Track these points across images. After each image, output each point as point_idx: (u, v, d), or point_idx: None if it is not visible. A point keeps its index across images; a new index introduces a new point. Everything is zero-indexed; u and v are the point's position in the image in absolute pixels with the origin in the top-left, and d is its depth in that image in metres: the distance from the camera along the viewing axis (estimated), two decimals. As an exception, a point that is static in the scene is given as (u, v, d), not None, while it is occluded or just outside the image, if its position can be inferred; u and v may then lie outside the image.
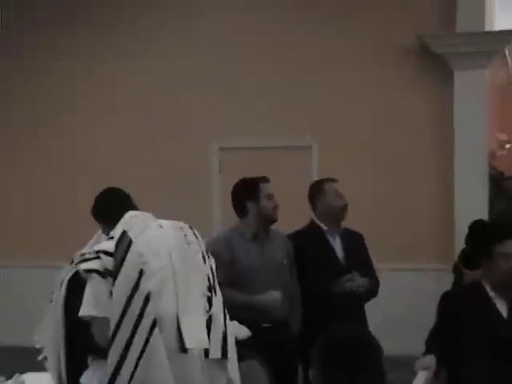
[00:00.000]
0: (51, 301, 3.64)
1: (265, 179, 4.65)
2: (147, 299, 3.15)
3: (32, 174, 9.29)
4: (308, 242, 4.76)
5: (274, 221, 4.60)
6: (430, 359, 3.92)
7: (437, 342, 4.04)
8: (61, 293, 3.57)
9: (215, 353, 3.27)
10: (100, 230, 3.76)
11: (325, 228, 4.81)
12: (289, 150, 8.51)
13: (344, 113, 8.39)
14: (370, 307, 4.93)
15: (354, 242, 4.86)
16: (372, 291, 4.79)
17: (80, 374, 3.48)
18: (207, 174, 8.65)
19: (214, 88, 8.70)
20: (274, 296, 4.32)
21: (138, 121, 8.90)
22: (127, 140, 8.90)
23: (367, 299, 4.80)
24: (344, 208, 4.78)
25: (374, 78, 8.33)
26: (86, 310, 3.18)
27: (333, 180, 4.90)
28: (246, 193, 4.57)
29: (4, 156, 9.36)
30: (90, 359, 3.49)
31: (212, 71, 8.70)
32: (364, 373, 2.25)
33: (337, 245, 4.79)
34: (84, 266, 3.25)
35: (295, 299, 4.63)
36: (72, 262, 3.65)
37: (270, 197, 4.57)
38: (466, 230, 5.46)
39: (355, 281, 4.59)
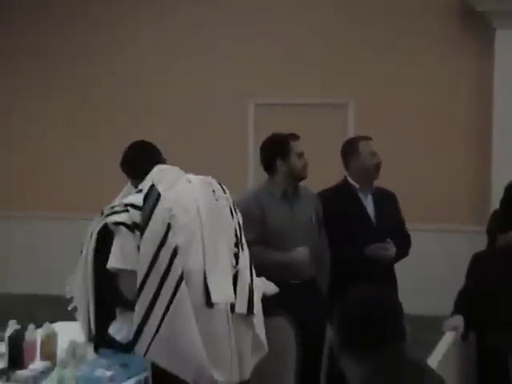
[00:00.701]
0: (81, 252, 3.67)
1: (295, 136, 4.56)
2: (175, 253, 3.15)
3: (67, 125, 9.37)
4: (339, 200, 4.71)
5: (303, 178, 4.54)
6: (458, 319, 3.89)
7: (466, 303, 4.00)
8: (90, 244, 3.59)
9: (241, 307, 3.28)
10: (128, 184, 3.77)
11: (357, 186, 4.74)
12: (325, 107, 8.45)
13: (381, 71, 8.31)
14: (403, 267, 4.89)
15: (387, 201, 4.79)
16: (403, 252, 4.73)
17: (109, 324, 3.52)
18: (243, 131, 8.64)
19: (251, 45, 8.66)
20: (302, 252, 4.29)
21: (176, 76, 8.91)
22: (164, 95, 8.93)
23: (397, 259, 4.73)
24: (377, 167, 4.71)
25: (414, 37, 8.23)
26: (113, 263, 3.20)
27: (367, 138, 4.81)
28: (275, 150, 4.49)
29: (40, 107, 9.44)
30: (117, 311, 3.52)
31: (249, 30, 8.66)
32: (384, 329, 2.24)
33: (369, 204, 4.72)
34: (112, 218, 3.26)
35: (323, 259, 4.59)
36: (102, 213, 3.67)
37: (301, 155, 4.49)
38: (502, 192, 5.38)
39: (388, 250, 4.55)
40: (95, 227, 3.64)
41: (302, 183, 4.62)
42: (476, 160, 8.07)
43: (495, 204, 6.06)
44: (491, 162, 7.78)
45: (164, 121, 8.62)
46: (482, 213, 7.59)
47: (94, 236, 3.59)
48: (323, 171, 8.35)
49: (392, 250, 4.56)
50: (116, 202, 3.71)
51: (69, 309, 3.75)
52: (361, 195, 4.72)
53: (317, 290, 4.48)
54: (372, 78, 8.33)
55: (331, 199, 4.71)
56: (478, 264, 4.14)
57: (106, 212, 3.66)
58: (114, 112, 9.18)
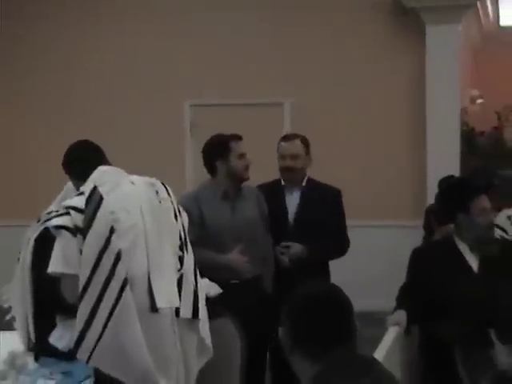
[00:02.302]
0: (18, 260, 3.59)
1: (236, 137, 4.54)
2: (118, 257, 3.07)
3: (3, 129, 9.19)
4: (266, 196, 4.70)
5: (244, 179, 4.51)
6: (401, 315, 3.93)
7: (408, 298, 4.05)
8: (27, 251, 3.51)
9: (186, 312, 3.22)
10: (66, 187, 3.69)
11: (283, 183, 4.76)
12: (261, 107, 8.47)
13: (316, 69, 8.36)
14: (342, 264, 4.90)
15: (322, 199, 4.70)
16: (338, 250, 4.73)
17: (49, 333, 3.45)
18: (179, 132, 8.59)
19: (186, 45, 8.63)
20: (238, 256, 4.29)
21: (111, 77, 8.82)
22: (100, 96, 8.83)
23: (332, 258, 4.74)
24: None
25: (345, 33, 8.29)
26: (55, 267, 3.11)
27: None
28: (215, 151, 4.48)
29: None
30: (58, 318, 3.45)
31: (183, 30, 8.63)
32: (335, 328, 2.23)
33: (292, 202, 4.69)
34: (53, 222, 3.17)
35: (269, 257, 4.60)
36: (39, 220, 3.59)
37: (241, 156, 4.47)
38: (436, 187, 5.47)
39: (283, 253, 4.52)
40: (32, 234, 3.57)
41: (245, 183, 4.60)
42: (412, 156, 8.17)
43: (431, 197, 6.17)
44: (426, 158, 7.89)
45: (100, 123, 8.51)
46: (419, 208, 7.70)
47: (32, 242, 3.50)
48: (260, 170, 8.41)
49: (294, 251, 4.51)
50: (54, 204, 3.64)
51: (7, 318, 3.67)
52: (286, 192, 4.72)
53: (260, 289, 4.47)
54: (307, 77, 8.37)
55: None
56: (417, 259, 4.18)
57: (42, 218, 3.58)
58: (49, 114, 9.03)
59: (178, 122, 8.70)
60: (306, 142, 4.74)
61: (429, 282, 3.93)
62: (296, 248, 4.51)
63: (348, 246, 4.78)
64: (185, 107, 8.77)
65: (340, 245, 4.73)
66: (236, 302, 3.96)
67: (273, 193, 4.71)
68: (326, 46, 8.35)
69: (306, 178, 4.74)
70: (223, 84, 8.55)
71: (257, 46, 8.50)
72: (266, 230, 4.61)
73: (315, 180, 4.78)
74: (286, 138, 4.79)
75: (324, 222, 4.61)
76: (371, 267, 7.61)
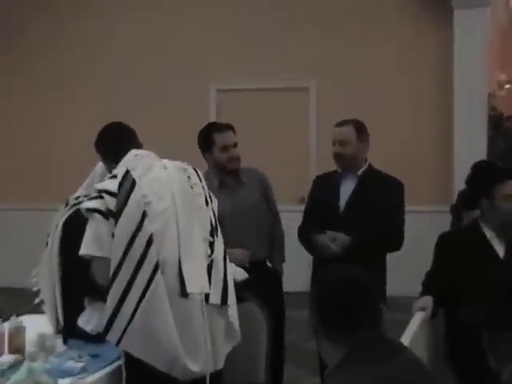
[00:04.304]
0: (47, 243, 3.62)
1: (222, 128, 4.46)
2: (150, 241, 3.08)
3: (30, 115, 9.26)
4: (321, 185, 4.60)
5: (230, 171, 4.41)
6: (427, 300, 3.92)
7: (434, 283, 4.04)
8: (56, 235, 3.55)
9: (215, 298, 3.23)
10: (93, 173, 3.70)
11: (339, 171, 4.54)
12: (287, 91, 8.47)
13: (342, 54, 8.34)
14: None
15: (378, 188, 4.43)
16: (389, 244, 4.46)
17: (77, 316, 3.48)
18: (205, 117, 8.59)
19: (213, 30, 8.63)
20: (240, 253, 4.26)
21: (138, 62, 8.88)
22: (127, 81, 8.90)
23: (383, 251, 4.47)
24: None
25: (372, 18, 8.25)
26: (86, 249, 3.11)
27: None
28: (200, 143, 4.46)
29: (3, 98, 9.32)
30: (86, 301, 3.48)
31: (212, 14, 8.63)
32: (360, 311, 2.24)
33: (345, 190, 4.45)
34: (86, 204, 3.17)
35: (278, 239, 4.60)
36: (67, 204, 3.62)
37: (224, 148, 4.37)
38: (464, 171, 5.44)
39: (330, 245, 4.27)
40: (60, 218, 3.60)
41: (247, 165, 4.55)
42: (439, 141, 8.13)
43: (458, 182, 6.14)
44: (453, 143, 7.84)
45: (125, 108, 8.54)
46: (444, 192, 7.68)
47: (60, 226, 3.54)
48: (285, 154, 8.43)
49: (339, 243, 4.26)
50: (81, 188, 3.67)
51: (36, 302, 3.71)
52: (342, 180, 4.49)
53: (267, 269, 4.47)
54: (333, 60, 8.36)
55: (316, 184, 4.66)
56: (443, 243, 4.16)
57: (71, 202, 3.61)
58: (74, 101, 9.09)
59: (205, 107, 8.72)
60: (359, 127, 4.51)
61: (454, 268, 3.91)
62: (342, 238, 4.30)
63: (402, 242, 4.52)
64: (211, 92, 8.78)
65: (392, 239, 4.46)
66: (254, 283, 3.93)
67: (329, 182, 4.54)
68: (351, 29, 8.31)
69: (366, 166, 4.51)
70: (249, 69, 8.55)
71: (283, 30, 8.49)
72: (269, 209, 4.57)
73: (376, 169, 4.57)
74: (339, 123, 4.56)
75: (377, 212, 4.32)
76: (399, 252, 7.57)
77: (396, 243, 4.49)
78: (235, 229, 4.24)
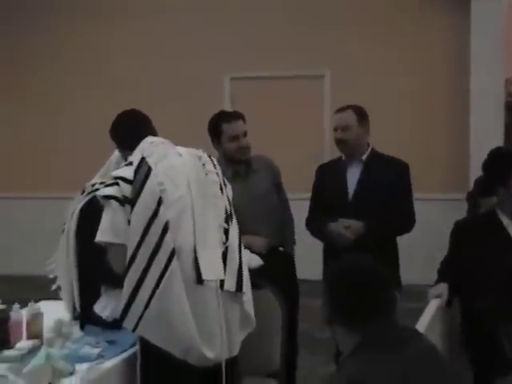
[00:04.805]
0: (63, 231, 3.64)
1: (230, 117, 4.42)
2: (166, 228, 3.09)
3: (45, 103, 9.29)
4: (326, 173, 4.59)
5: (239, 161, 4.38)
6: (443, 287, 3.92)
7: (449, 270, 4.03)
8: (72, 222, 3.57)
9: (230, 285, 3.24)
10: (109, 161, 3.72)
11: (343, 158, 4.54)
12: (301, 79, 8.46)
13: (357, 42, 8.31)
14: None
15: (384, 172, 4.42)
16: (401, 227, 4.47)
17: (93, 302, 3.51)
18: (220, 105, 8.59)
19: (226, 19, 8.63)
20: (259, 242, 4.27)
21: (151, 51, 8.87)
22: (140, 68, 8.89)
23: (395, 234, 4.48)
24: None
25: (387, 6, 8.21)
26: (102, 236, 3.12)
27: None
28: (210, 133, 4.43)
29: (19, 85, 9.35)
30: (102, 289, 3.51)
31: (225, 3, 8.63)
32: (372, 299, 2.25)
33: (353, 176, 4.45)
34: (102, 191, 3.18)
35: (288, 222, 4.60)
36: (83, 192, 3.64)
37: (234, 138, 4.33)
38: (480, 159, 5.40)
39: (344, 233, 4.27)
40: (76, 205, 3.62)
41: (258, 153, 4.53)
42: (455, 128, 8.10)
43: (474, 170, 6.12)
44: (470, 130, 7.81)
45: (141, 95, 8.56)
46: (461, 181, 7.65)
47: (77, 213, 3.56)
48: (300, 143, 8.43)
49: (347, 234, 4.25)
50: (98, 176, 3.68)
51: (53, 288, 3.74)
52: (348, 167, 4.49)
53: (280, 256, 4.47)
54: (348, 48, 8.33)
55: (321, 173, 4.64)
56: (459, 231, 4.15)
57: (87, 190, 3.63)
58: (88, 88, 9.12)
59: (219, 95, 8.71)
60: (360, 112, 4.48)
61: (470, 255, 3.90)
62: (355, 225, 4.29)
63: (413, 224, 4.50)
64: (225, 80, 8.78)
65: (404, 221, 4.46)
66: (267, 270, 3.94)
67: (334, 169, 4.54)
68: (367, 19, 8.29)
69: (369, 151, 4.48)
70: (263, 57, 8.54)
71: (298, 18, 8.46)
72: (279, 195, 4.57)
73: (379, 153, 4.54)
74: (338, 109, 4.55)
75: (387, 196, 4.32)
76: (413, 240, 7.55)
77: (408, 225, 4.50)
78: (248, 216, 4.20)
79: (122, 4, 9.03)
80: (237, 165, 4.39)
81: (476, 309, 3.78)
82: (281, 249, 4.52)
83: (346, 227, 4.29)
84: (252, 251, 3.98)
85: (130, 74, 8.94)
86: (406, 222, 4.48)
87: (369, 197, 4.34)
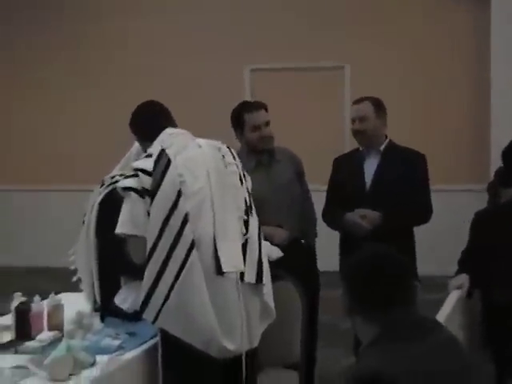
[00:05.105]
0: (83, 223, 3.66)
1: (252, 107, 4.41)
2: (186, 219, 3.09)
3: (65, 97, 9.34)
4: (344, 164, 4.61)
5: (261, 151, 4.37)
6: (463, 278, 3.89)
7: (469, 261, 4.01)
8: (92, 215, 3.58)
9: (250, 277, 3.24)
10: (128, 153, 3.72)
11: (360, 149, 4.55)
12: (322, 70, 8.43)
13: (377, 33, 8.28)
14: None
15: (401, 163, 4.44)
16: (419, 217, 4.48)
17: (114, 294, 3.53)
18: (240, 97, 8.57)
19: (246, 10, 8.62)
20: (281, 235, 4.27)
21: (172, 42, 8.90)
22: (160, 61, 8.90)
23: (413, 225, 4.50)
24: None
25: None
26: (122, 228, 3.13)
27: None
28: (232, 124, 4.43)
29: (36, 80, 9.40)
30: (122, 280, 3.52)
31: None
32: (392, 289, 2.24)
33: (369, 168, 4.46)
34: (122, 183, 3.19)
35: (309, 214, 4.59)
36: (103, 184, 3.64)
37: (255, 128, 4.32)
38: (501, 149, 5.38)
39: (361, 222, 4.28)
40: (96, 198, 3.63)
41: (281, 145, 4.53)
42: (476, 120, 8.06)
43: (495, 161, 6.08)
44: (490, 121, 7.76)
45: (160, 86, 8.57)
46: (481, 171, 7.61)
47: (96, 206, 3.57)
48: (320, 134, 8.41)
49: (370, 219, 4.27)
50: (117, 168, 3.69)
51: (73, 280, 3.76)
52: (366, 158, 4.50)
53: (301, 247, 4.47)
54: (368, 39, 8.30)
55: (338, 165, 4.65)
56: (479, 222, 4.12)
57: (106, 182, 3.64)
58: (106, 78, 9.14)
59: (239, 87, 8.71)
60: (377, 104, 4.49)
61: (490, 246, 3.88)
62: (372, 215, 4.31)
63: (431, 214, 4.50)
64: (245, 72, 8.77)
65: (421, 212, 4.47)
66: (288, 262, 3.93)
67: (351, 161, 4.56)
68: (386, 8, 8.25)
69: (387, 142, 4.49)
70: (283, 48, 8.51)
71: (319, 10, 8.43)
72: (302, 186, 4.57)
73: (396, 144, 4.55)
74: (355, 100, 4.57)
75: (404, 187, 4.34)
76: (434, 231, 7.52)
77: (425, 216, 4.51)
78: (271, 206, 4.22)
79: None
80: (260, 155, 4.39)
81: (496, 300, 3.77)
82: (302, 241, 4.52)
83: (363, 217, 4.31)
84: (273, 243, 3.98)
85: (152, 67, 8.94)
86: (423, 213, 4.49)
87: (386, 188, 4.36)
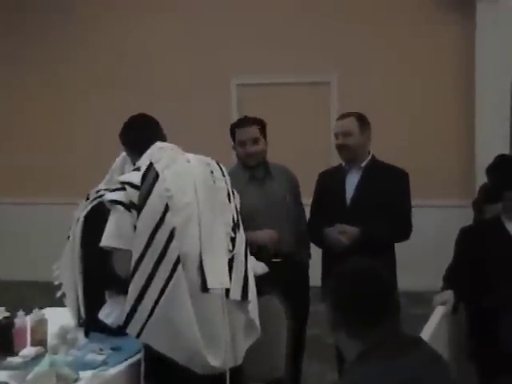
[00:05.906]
0: (68, 237, 3.65)
1: (242, 123, 4.52)
2: (172, 235, 3.08)
3: (51, 111, 9.32)
4: (327, 180, 4.64)
5: (248, 166, 4.42)
6: (448, 294, 3.92)
7: (454, 277, 4.03)
8: (77, 228, 3.57)
9: (236, 294, 3.23)
10: (111, 170, 3.72)
11: (343, 165, 4.57)
12: (308, 85, 8.45)
13: (362, 46, 8.30)
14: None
15: (383, 179, 4.44)
16: (399, 234, 4.45)
17: (98, 309, 3.50)
18: (226, 111, 8.60)
19: (233, 25, 8.64)
20: (270, 233, 4.27)
21: (157, 57, 8.88)
22: (146, 75, 8.90)
23: (392, 241, 4.49)
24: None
25: (392, 7, 8.21)
26: (108, 241, 3.11)
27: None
28: (231, 137, 4.54)
29: (21, 93, 9.38)
30: (107, 295, 3.50)
31: (232, 9, 8.64)
32: (376, 305, 2.24)
33: (352, 182, 4.48)
34: (109, 196, 3.17)
35: (302, 232, 4.59)
36: (87, 198, 3.64)
37: (241, 143, 4.41)
38: (486, 165, 5.41)
39: (339, 238, 4.30)
40: (81, 212, 3.62)
41: (279, 162, 4.59)
42: (461, 134, 8.08)
43: (480, 177, 6.10)
44: (475, 135, 7.78)
45: (146, 103, 8.55)
46: (466, 187, 7.64)
47: (81, 220, 3.56)
48: (307, 149, 8.41)
49: (343, 239, 4.29)
50: (103, 183, 3.68)
51: (57, 295, 3.74)
52: (348, 174, 4.51)
53: (294, 263, 4.47)
54: (355, 55, 8.31)
55: (321, 180, 4.68)
56: (464, 238, 4.15)
57: (91, 196, 3.63)
58: (94, 93, 9.13)
59: (225, 101, 8.71)
60: (361, 119, 4.51)
61: (475, 262, 3.90)
62: (351, 231, 4.32)
63: (410, 231, 4.49)
64: (231, 86, 8.78)
65: (401, 228, 4.46)
66: (278, 278, 3.93)
67: (333, 176, 4.59)
68: (374, 24, 8.27)
69: (369, 159, 4.51)
70: (270, 63, 8.52)
71: (304, 25, 8.45)
72: (296, 203, 4.58)
73: (379, 160, 4.56)
74: (340, 116, 4.61)
75: (384, 203, 4.35)
76: (419, 246, 7.55)
77: (404, 232, 4.50)
78: (264, 220, 4.27)
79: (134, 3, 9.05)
80: (254, 169, 4.44)
81: (482, 314, 3.79)
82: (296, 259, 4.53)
83: (342, 232, 4.33)
84: (259, 259, 3.97)
85: (138, 83, 8.94)
86: (403, 229, 4.49)
87: (366, 203, 4.39)
